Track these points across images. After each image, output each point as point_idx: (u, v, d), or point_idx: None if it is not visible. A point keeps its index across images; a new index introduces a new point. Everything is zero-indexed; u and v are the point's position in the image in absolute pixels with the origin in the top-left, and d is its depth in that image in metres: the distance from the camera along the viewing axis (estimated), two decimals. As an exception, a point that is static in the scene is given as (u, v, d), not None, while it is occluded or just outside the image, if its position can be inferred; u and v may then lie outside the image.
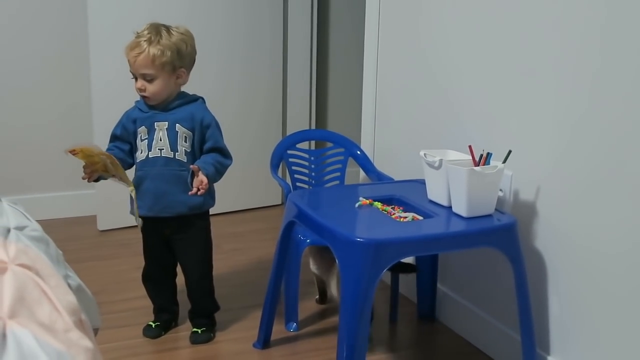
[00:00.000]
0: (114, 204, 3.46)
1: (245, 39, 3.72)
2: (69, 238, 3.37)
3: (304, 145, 2.94)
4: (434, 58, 2.56)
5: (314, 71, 4.04)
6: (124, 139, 2.37)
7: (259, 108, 3.84)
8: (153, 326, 2.48)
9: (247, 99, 3.76)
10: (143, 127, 2.32)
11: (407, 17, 2.72)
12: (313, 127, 4.09)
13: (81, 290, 1.42)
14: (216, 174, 2.33)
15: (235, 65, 3.70)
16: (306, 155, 2.86)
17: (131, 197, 2.33)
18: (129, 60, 2.28)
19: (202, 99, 2.41)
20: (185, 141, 2.33)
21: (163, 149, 2.31)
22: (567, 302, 2.03)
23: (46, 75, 3.58)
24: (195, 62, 2.38)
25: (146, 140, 2.32)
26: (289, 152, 2.81)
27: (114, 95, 3.30)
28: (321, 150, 2.98)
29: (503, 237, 2.04)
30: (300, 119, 4.01)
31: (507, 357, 2.26)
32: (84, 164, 2.24)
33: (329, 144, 2.92)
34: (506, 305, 2.26)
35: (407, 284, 2.73)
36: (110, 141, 2.40)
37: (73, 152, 2.18)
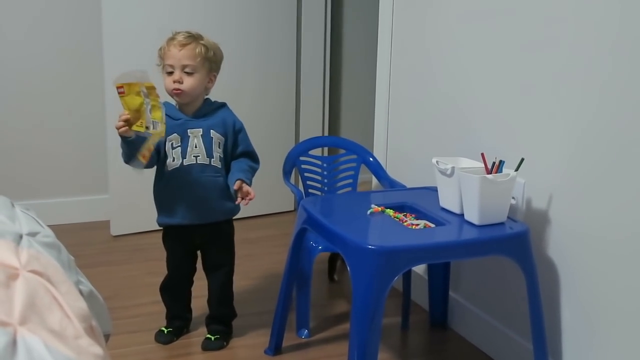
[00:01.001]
0: (128, 210, 3.49)
1: (258, 46, 3.73)
2: (82, 243, 3.38)
3: (316, 151, 2.94)
4: (446, 66, 2.56)
5: (327, 78, 4.05)
6: None
7: (271, 114, 3.84)
8: (165, 332, 2.48)
9: (260, 105, 3.76)
10: (175, 134, 2.30)
11: (420, 24, 2.72)
12: (326, 134, 4.10)
13: (92, 296, 1.43)
14: (251, 179, 2.36)
15: (247, 72, 3.71)
16: (319, 162, 2.86)
17: (146, 138, 2.16)
18: (169, 52, 2.26)
19: (226, 103, 2.42)
20: (219, 147, 2.34)
21: (199, 156, 2.31)
22: (580, 310, 2.02)
23: (61, 81, 3.60)
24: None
25: (179, 147, 2.30)
26: (302, 158, 2.81)
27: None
28: (334, 156, 2.98)
29: (515, 245, 2.03)
30: (313, 126, 4.01)
31: (519, 365, 2.25)
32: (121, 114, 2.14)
33: (342, 151, 2.92)
34: (518, 313, 2.25)
35: (419, 292, 2.72)
36: None
37: (120, 89, 2.09)
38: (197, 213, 2.34)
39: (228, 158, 2.37)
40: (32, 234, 1.24)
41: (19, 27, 3.49)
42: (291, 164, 2.78)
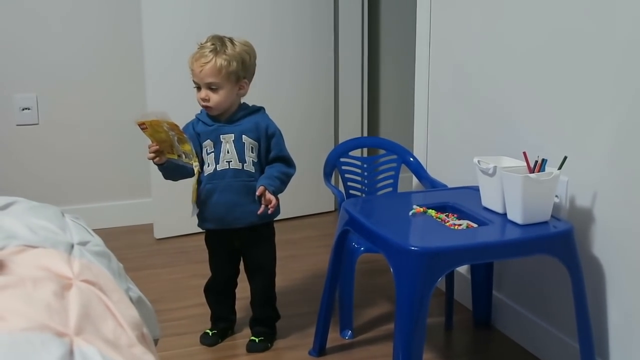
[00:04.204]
0: (170, 212, 3.52)
1: (295, 49, 3.74)
2: (126, 246, 3.42)
3: (356, 152, 2.95)
4: (486, 63, 2.54)
5: (366, 78, 4.04)
6: None
7: (311, 116, 3.85)
8: (210, 334, 2.51)
9: (299, 107, 3.77)
10: (208, 140, 2.34)
11: (459, 20, 2.70)
12: (365, 134, 4.09)
13: (141, 302, 1.45)
14: (281, 185, 2.37)
15: (285, 75, 3.72)
16: (359, 163, 2.86)
17: (180, 164, 2.31)
18: (193, 70, 2.30)
19: (264, 108, 2.44)
20: (252, 151, 2.35)
21: (231, 161, 2.33)
22: (627, 309, 2.00)
23: (102, 87, 3.64)
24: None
25: (212, 153, 2.34)
26: (342, 159, 2.82)
27: (169, 108, 3.35)
28: (374, 157, 2.97)
29: (559, 244, 2.02)
30: (352, 127, 4.01)
31: (566, 365, 2.23)
32: (150, 142, 2.26)
33: (382, 151, 2.92)
34: (564, 313, 2.23)
35: (462, 291, 2.71)
36: None
37: (142, 126, 2.17)
38: (233, 217, 2.37)
39: (263, 163, 2.39)
40: (83, 244, 1.27)
41: (61, 36, 3.55)
42: (332, 165, 2.79)
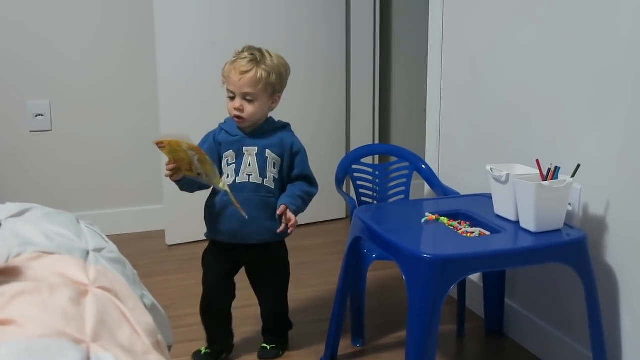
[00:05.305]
0: (182, 219, 3.53)
1: (307, 56, 3.74)
2: (137, 253, 3.41)
3: (368, 159, 2.94)
4: (499, 70, 2.54)
5: (377, 86, 4.04)
6: None
7: (323, 123, 3.85)
8: (202, 352, 2.43)
9: (311, 114, 3.77)
10: (230, 151, 2.29)
11: (471, 27, 2.70)
12: (377, 141, 4.09)
13: (155, 309, 1.45)
14: (303, 205, 2.33)
15: (297, 82, 3.69)
16: (371, 170, 2.86)
17: (227, 193, 2.20)
18: (230, 78, 2.25)
19: (290, 125, 2.40)
20: (274, 167, 2.31)
21: (252, 175, 2.29)
22: (641, 318, 1.99)
23: (115, 93, 3.66)
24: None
25: (233, 164, 2.29)
26: (354, 166, 2.82)
27: (181, 116, 3.37)
28: (386, 164, 2.97)
29: (573, 252, 2.02)
30: (364, 134, 4.01)
31: (579, 373, 2.22)
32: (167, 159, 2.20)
33: (393, 159, 2.92)
34: (577, 321, 2.22)
35: (474, 299, 2.70)
36: None
37: (160, 145, 2.12)
38: (247, 232, 2.30)
39: (284, 179, 2.35)
40: (98, 250, 1.27)
41: (74, 43, 3.56)
42: (343, 172, 2.78)
